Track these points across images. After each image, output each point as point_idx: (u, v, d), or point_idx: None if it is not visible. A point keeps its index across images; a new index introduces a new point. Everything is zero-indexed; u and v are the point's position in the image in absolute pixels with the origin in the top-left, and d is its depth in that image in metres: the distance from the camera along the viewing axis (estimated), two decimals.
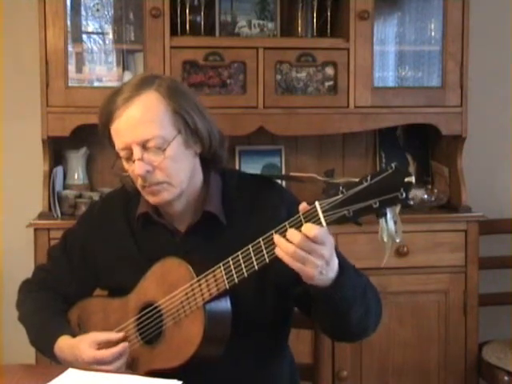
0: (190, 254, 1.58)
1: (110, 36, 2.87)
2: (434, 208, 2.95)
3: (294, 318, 1.73)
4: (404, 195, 1.27)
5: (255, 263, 1.43)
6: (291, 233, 1.36)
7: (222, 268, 1.49)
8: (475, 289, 2.87)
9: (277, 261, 1.40)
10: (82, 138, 2.89)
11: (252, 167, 3.04)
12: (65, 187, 2.92)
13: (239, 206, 1.64)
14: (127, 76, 2.82)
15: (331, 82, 2.87)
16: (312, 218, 1.36)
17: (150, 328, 1.59)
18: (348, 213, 1.31)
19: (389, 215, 1.32)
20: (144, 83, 1.58)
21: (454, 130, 2.92)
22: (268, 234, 1.41)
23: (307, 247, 1.36)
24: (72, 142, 2.89)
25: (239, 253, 1.46)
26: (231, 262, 1.47)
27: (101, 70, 2.88)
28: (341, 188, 1.33)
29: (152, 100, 1.55)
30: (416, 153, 3.18)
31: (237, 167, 3.04)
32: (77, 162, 2.97)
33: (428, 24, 2.99)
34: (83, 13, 2.83)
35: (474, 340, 2.88)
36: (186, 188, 1.61)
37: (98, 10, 2.84)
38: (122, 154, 1.59)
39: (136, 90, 1.56)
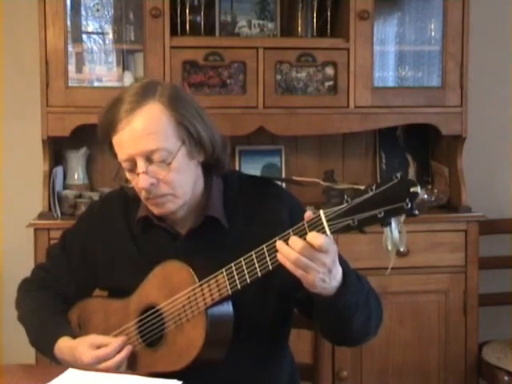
0: (191, 257, 1.58)
1: (110, 36, 2.87)
2: (433, 208, 2.95)
3: (294, 318, 1.73)
4: (409, 205, 1.27)
5: (258, 270, 1.43)
6: (294, 240, 1.36)
7: (225, 274, 1.48)
8: (475, 289, 2.87)
9: (280, 267, 1.40)
10: (82, 138, 2.89)
11: (252, 167, 3.04)
12: (65, 187, 2.92)
13: (241, 209, 1.64)
14: (127, 76, 2.82)
15: (331, 82, 2.87)
16: (316, 226, 1.35)
17: (152, 331, 1.59)
18: (353, 222, 1.31)
19: (393, 225, 1.31)
20: (145, 92, 1.55)
21: (454, 130, 2.92)
22: (271, 241, 1.40)
23: (310, 255, 1.36)
24: (72, 142, 2.89)
25: (242, 259, 1.45)
26: (234, 268, 1.47)
27: (101, 69, 2.88)
28: (345, 197, 1.32)
29: (155, 112, 1.53)
30: (416, 153, 3.18)
31: (237, 167, 3.03)
32: (77, 161, 2.97)
33: (428, 24, 2.99)
34: (83, 13, 2.83)
35: (474, 340, 2.88)
36: (190, 197, 1.61)
37: (98, 10, 2.84)
38: (125, 165, 1.57)
39: (138, 101, 1.53)
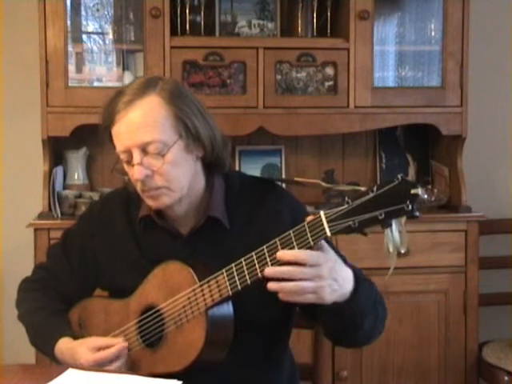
0: (192, 257, 1.58)
1: (110, 36, 2.87)
2: (433, 208, 2.95)
3: (294, 319, 1.72)
4: (410, 207, 1.27)
5: (258, 271, 1.42)
6: (281, 271, 1.36)
7: (225, 274, 1.48)
8: (475, 289, 2.86)
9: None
10: (82, 138, 2.89)
11: (252, 167, 3.04)
12: (65, 187, 2.92)
13: (242, 209, 1.64)
14: (127, 76, 2.82)
15: (331, 82, 2.87)
16: (317, 227, 1.35)
17: (152, 331, 1.58)
18: (353, 223, 1.31)
19: (394, 226, 1.31)
20: (146, 86, 1.56)
21: (454, 130, 2.92)
22: (272, 241, 1.40)
23: (304, 275, 1.36)
24: (72, 141, 2.89)
25: (242, 259, 1.45)
26: (234, 269, 1.46)
27: (101, 69, 2.88)
28: (346, 198, 1.32)
29: (153, 104, 1.55)
30: (416, 153, 3.18)
31: (237, 167, 3.03)
32: (77, 162, 2.97)
33: (428, 24, 2.99)
34: (83, 13, 2.83)
35: (474, 340, 2.88)
36: (187, 192, 1.60)
37: (98, 10, 2.84)
38: (122, 156, 1.58)
39: (138, 94, 1.55)
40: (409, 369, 2.84)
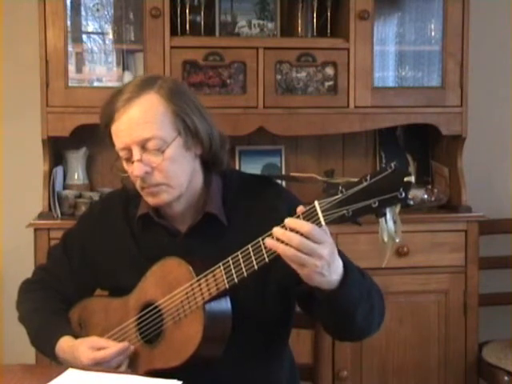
0: (190, 254, 1.58)
1: (110, 36, 2.87)
2: (433, 208, 2.95)
3: (294, 318, 1.73)
4: (403, 195, 1.28)
5: (255, 263, 1.43)
6: (289, 236, 1.36)
7: (222, 268, 1.49)
8: (475, 289, 2.87)
9: (277, 260, 1.40)
10: (82, 138, 2.88)
11: (252, 167, 3.04)
12: (65, 187, 2.92)
13: (240, 206, 1.64)
14: (127, 76, 2.82)
15: (331, 82, 2.87)
16: (311, 217, 1.36)
17: (150, 328, 1.59)
18: (347, 212, 1.32)
19: (388, 215, 1.32)
20: (145, 84, 1.58)
21: (454, 130, 2.92)
22: (268, 233, 1.41)
23: (306, 248, 1.35)
24: (72, 141, 2.89)
25: (239, 252, 1.46)
26: (231, 262, 1.47)
27: (101, 69, 2.88)
28: (340, 188, 1.33)
29: (152, 101, 1.56)
30: (416, 153, 3.18)
31: (237, 167, 3.03)
32: (77, 162, 2.97)
33: (428, 24, 2.99)
34: (83, 13, 2.83)
35: (474, 340, 2.88)
36: (186, 189, 1.61)
37: (98, 10, 2.84)
38: (122, 154, 1.59)
39: (137, 91, 1.56)
40: (409, 369, 2.85)
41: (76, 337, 1.63)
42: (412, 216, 2.79)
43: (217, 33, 2.95)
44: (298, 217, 1.37)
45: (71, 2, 2.79)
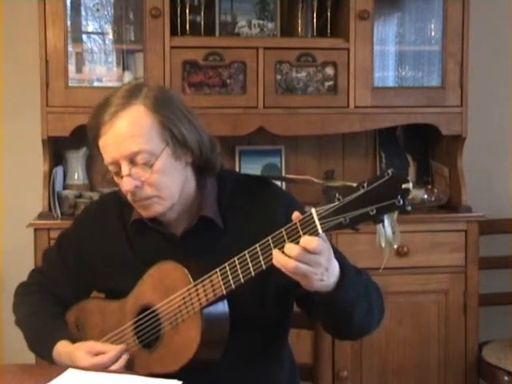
0: (186, 258, 1.57)
1: (110, 36, 2.87)
2: (433, 208, 2.95)
3: (293, 318, 1.72)
4: (401, 202, 1.26)
5: (252, 269, 1.43)
6: (289, 247, 1.35)
7: (219, 273, 1.48)
8: (475, 289, 2.86)
9: (274, 266, 1.39)
10: (82, 137, 2.82)
11: (252, 167, 3.04)
12: (65, 187, 2.92)
13: (236, 209, 1.63)
14: (127, 76, 2.82)
15: (331, 82, 2.87)
16: (308, 225, 1.35)
17: (148, 332, 1.58)
18: (344, 220, 1.30)
19: (386, 222, 1.31)
20: (131, 95, 1.55)
21: (454, 130, 2.92)
22: (264, 240, 1.40)
23: (306, 260, 1.35)
24: (72, 141, 2.88)
25: (235, 258, 1.45)
26: (228, 268, 1.46)
27: (101, 69, 2.88)
28: (337, 195, 1.31)
29: (138, 114, 1.54)
30: (416, 153, 3.18)
31: (237, 167, 3.03)
32: (77, 162, 2.97)
33: (428, 24, 2.99)
34: (83, 13, 2.83)
35: (474, 340, 2.88)
36: (178, 199, 1.60)
37: (98, 10, 2.84)
38: (111, 168, 1.58)
39: (122, 104, 1.54)
40: (409, 369, 2.84)
41: (73, 340, 1.63)
42: (412, 216, 2.79)
43: (217, 33, 2.95)
44: (295, 224, 1.36)
45: (71, 2, 2.79)
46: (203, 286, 1.50)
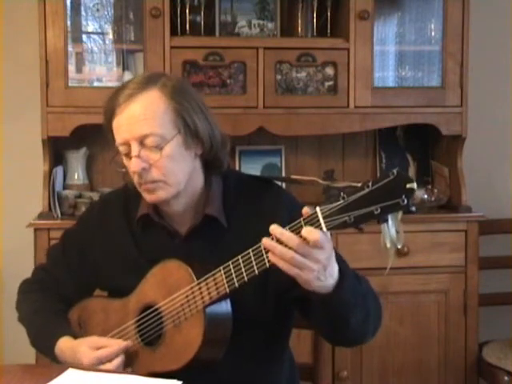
0: (190, 256, 1.58)
1: (110, 36, 2.87)
2: (433, 208, 2.95)
3: (294, 319, 1.72)
4: (405, 202, 1.26)
5: (255, 268, 1.43)
6: (289, 236, 1.36)
7: (223, 272, 1.48)
8: (475, 289, 2.87)
9: (275, 265, 1.39)
10: (82, 138, 2.89)
11: (252, 167, 3.04)
12: (65, 187, 2.92)
13: (240, 208, 1.64)
14: (127, 76, 2.81)
15: (331, 82, 2.87)
16: (313, 223, 1.35)
17: (151, 330, 1.59)
18: (349, 219, 1.31)
19: (390, 221, 1.31)
20: (149, 81, 1.58)
21: (454, 130, 2.92)
22: (268, 238, 1.40)
23: (304, 252, 1.35)
24: (72, 141, 2.89)
25: (239, 257, 1.45)
26: (231, 266, 1.47)
27: (101, 69, 2.88)
28: (342, 194, 1.31)
29: (154, 98, 1.56)
30: (416, 153, 3.18)
31: (237, 167, 3.03)
32: (77, 162, 2.97)
33: (428, 24, 2.99)
34: (83, 13, 2.83)
35: (474, 340, 2.88)
36: (185, 189, 1.60)
37: (98, 10, 2.84)
38: (121, 149, 1.59)
39: (139, 88, 1.56)
40: (409, 369, 2.85)
41: (75, 337, 1.63)
42: (412, 216, 2.78)
43: (217, 33, 2.95)
44: (299, 222, 1.36)
45: (71, 2, 2.79)
46: (207, 284, 1.50)
